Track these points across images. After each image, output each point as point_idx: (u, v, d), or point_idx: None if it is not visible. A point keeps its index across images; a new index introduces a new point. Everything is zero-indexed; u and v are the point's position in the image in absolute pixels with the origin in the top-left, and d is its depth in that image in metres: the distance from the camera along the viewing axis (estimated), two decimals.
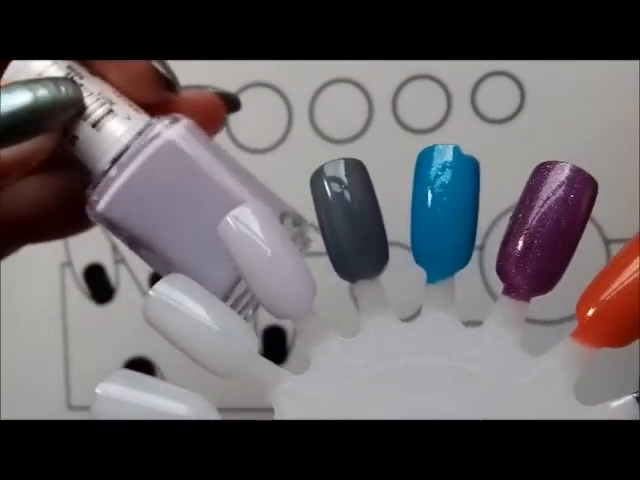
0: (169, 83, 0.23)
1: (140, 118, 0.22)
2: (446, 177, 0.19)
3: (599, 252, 0.34)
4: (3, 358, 0.40)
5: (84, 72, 0.22)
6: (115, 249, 0.38)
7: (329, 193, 0.19)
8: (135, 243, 0.22)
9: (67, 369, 0.39)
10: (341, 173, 0.19)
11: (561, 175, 0.19)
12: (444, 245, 0.19)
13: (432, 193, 0.19)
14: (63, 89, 0.21)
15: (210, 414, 0.19)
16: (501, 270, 0.19)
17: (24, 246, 0.25)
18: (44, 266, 0.39)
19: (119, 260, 0.38)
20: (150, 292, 0.19)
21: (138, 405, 0.19)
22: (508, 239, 0.19)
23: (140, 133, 0.21)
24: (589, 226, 0.19)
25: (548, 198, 0.19)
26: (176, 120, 0.22)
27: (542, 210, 0.19)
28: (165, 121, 0.22)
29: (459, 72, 0.35)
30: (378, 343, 0.20)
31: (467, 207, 0.19)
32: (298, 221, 0.23)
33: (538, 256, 0.19)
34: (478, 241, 0.35)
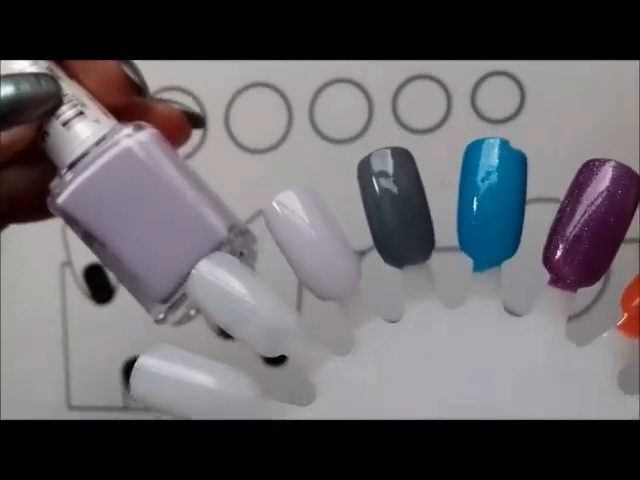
0: (138, 88, 0.24)
1: (108, 123, 0.23)
2: (495, 172, 0.20)
3: None
4: (3, 358, 0.40)
5: (61, 74, 0.23)
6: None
7: (376, 185, 0.20)
8: (89, 238, 0.23)
9: (67, 369, 0.39)
10: (388, 164, 0.20)
11: (609, 172, 0.19)
12: (492, 235, 0.20)
13: (481, 187, 0.20)
14: (44, 83, 0.22)
15: (250, 391, 0.19)
16: (548, 261, 0.20)
17: (8, 225, 0.26)
18: (44, 266, 0.39)
19: None
20: (193, 270, 0.20)
21: (174, 379, 0.19)
22: (556, 230, 0.20)
23: (104, 137, 0.23)
24: None
25: (596, 193, 0.19)
26: (140, 128, 0.23)
27: (591, 204, 0.19)
28: (129, 128, 0.23)
29: (459, 72, 0.35)
30: (422, 328, 0.20)
31: (515, 199, 0.20)
32: (246, 233, 0.24)
33: (586, 247, 0.19)
34: None
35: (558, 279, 0.20)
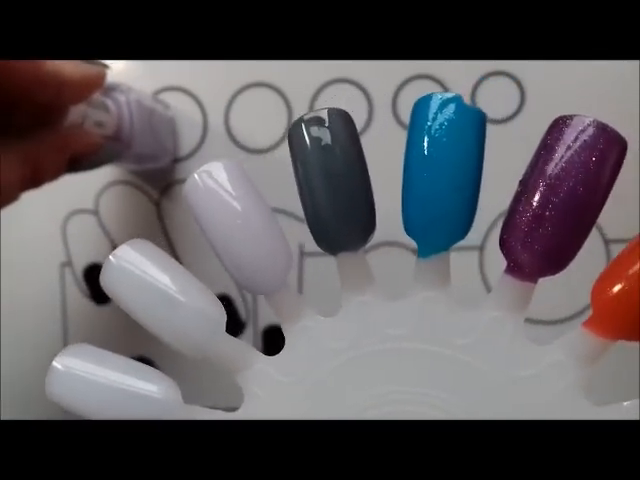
0: None
1: None
2: (444, 130, 0.16)
3: (599, 252, 0.34)
4: (3, 358, 0.40)
5: None
6: (115, 249, 0.38)
7: (308, 147, 0.17)
8: None
9: None
10: (323, 125, 0.17)
11: (582, 132, 0.15)
12: (439, 212, 0.16)
13: (426, 149, 0.16)
14: None
15: (169, 395, 0.18)
16: (505, 245, 0.16)
17: None
18: (44, 266, 0.39)
19: None
20: (110, 257, 0.18)
21: (92, 381, 0.17)
22: (515, 209, 0.16)
23: None
24: None
25: (564, 160, 0.15)
26: None
27: (556, 175, 0.15)
28: None
29: (459, 72, 0.35)
30: (360, 324, 0.17)
31: (468, 167, 0.16)
32: None
33: (549, 231, 0.15)
34: (478, 241, 0.35)
35: (516, 268, 0.16)
